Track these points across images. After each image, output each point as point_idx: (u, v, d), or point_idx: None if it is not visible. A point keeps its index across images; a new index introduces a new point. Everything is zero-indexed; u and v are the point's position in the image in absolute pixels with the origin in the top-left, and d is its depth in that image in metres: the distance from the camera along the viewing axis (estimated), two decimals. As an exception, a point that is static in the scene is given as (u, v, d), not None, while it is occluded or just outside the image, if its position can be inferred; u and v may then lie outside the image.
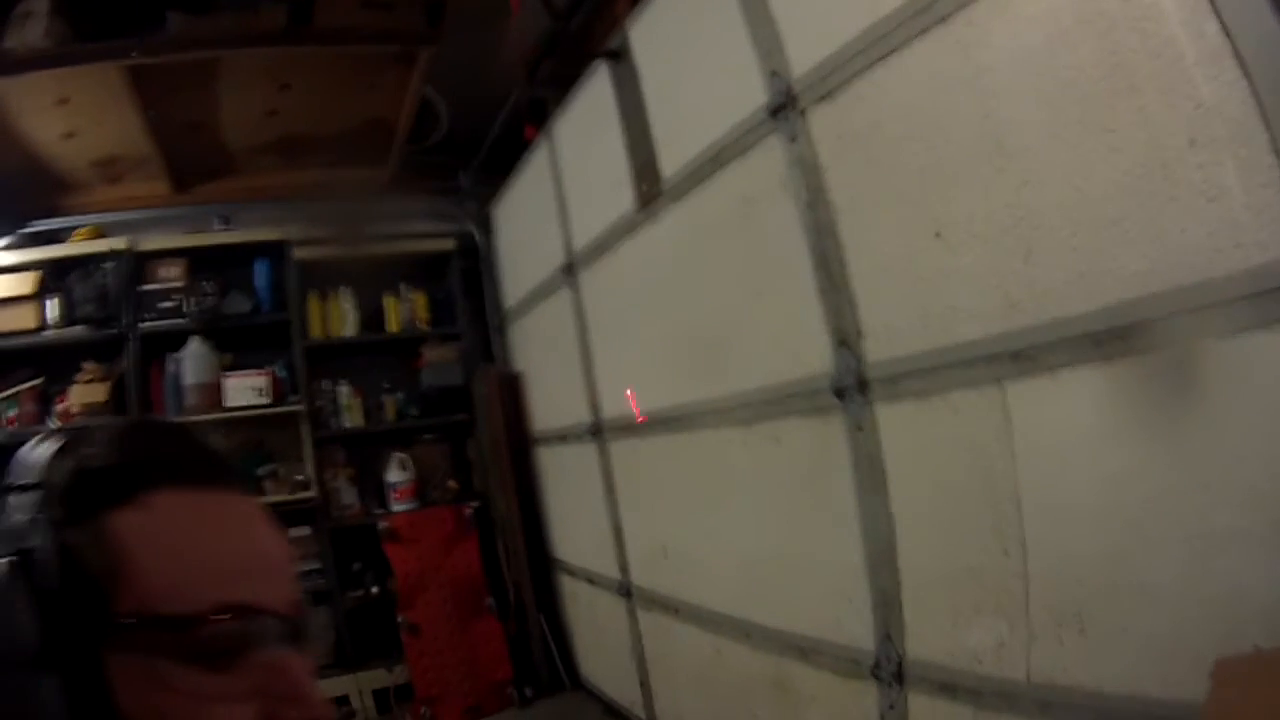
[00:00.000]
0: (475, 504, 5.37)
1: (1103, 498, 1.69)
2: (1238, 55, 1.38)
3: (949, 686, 2.10)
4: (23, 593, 0.57)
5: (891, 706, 2.28)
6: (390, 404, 5.52)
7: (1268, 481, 1.40)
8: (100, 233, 5.03)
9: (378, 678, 4.96)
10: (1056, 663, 1.81)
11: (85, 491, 0.62)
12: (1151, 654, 1.61)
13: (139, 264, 4.99)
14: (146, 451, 0.66)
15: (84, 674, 0.55)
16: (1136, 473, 1.62)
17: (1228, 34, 1.39)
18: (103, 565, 0.59)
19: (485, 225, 5.69)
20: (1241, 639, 1.41)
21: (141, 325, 4.91)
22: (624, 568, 4.01)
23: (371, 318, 5.59)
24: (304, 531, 5.07)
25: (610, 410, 4.00)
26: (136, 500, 0.62)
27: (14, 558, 0.58)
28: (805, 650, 2.64)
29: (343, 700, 4.87)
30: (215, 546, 0.63)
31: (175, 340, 4.95)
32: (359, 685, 4.92)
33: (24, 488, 0.63)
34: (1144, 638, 1.62)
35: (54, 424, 4.55)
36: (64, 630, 0.56)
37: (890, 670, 2.27)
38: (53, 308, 4.79)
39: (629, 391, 3.71)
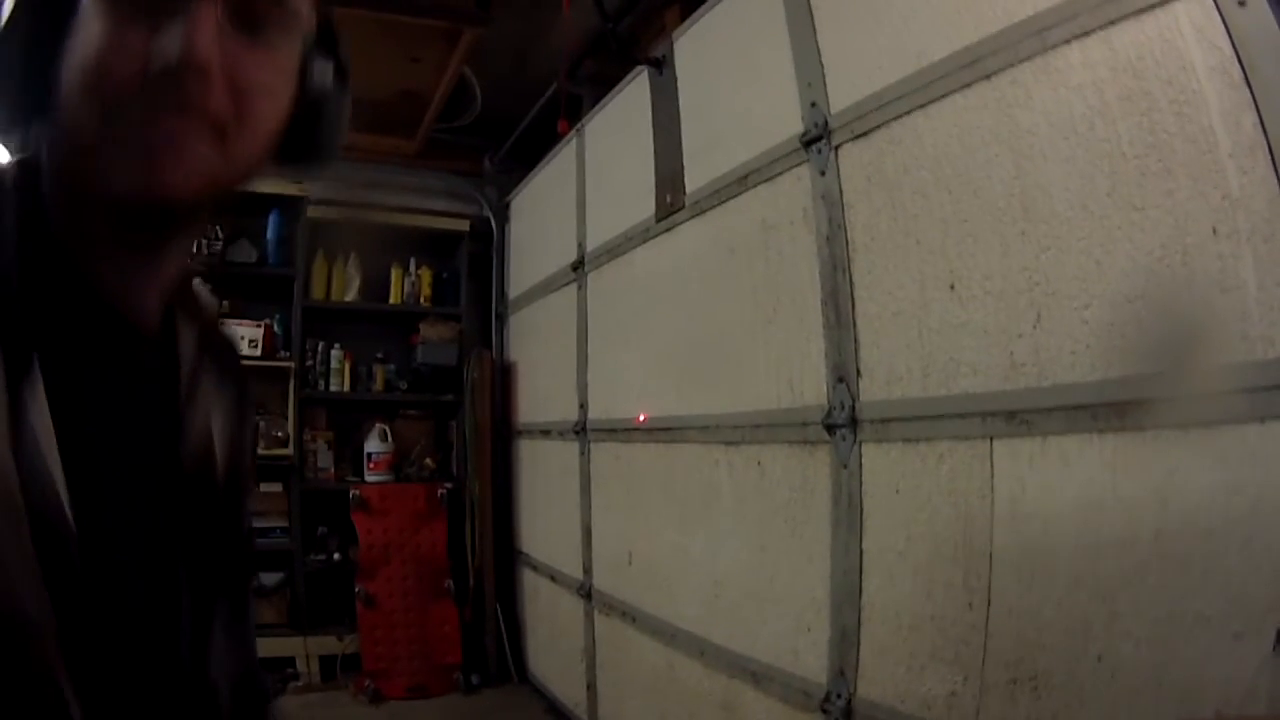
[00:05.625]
0: (449, 485, 5.37)
1: (1075, 566, 1.71)
2: (1271, 152, 1.40)
3: (896, 730, 2.12)
4: None
5: (836, 742, 2.30)
6: (380, 374, 5.50)
7: (1246, 573, 1.41)
8: (119, 161, 5.00)
9: (327, 644, 4.93)
10: (1007, 719, 1.83)
11: None
12: (1104, 724, 1.63)
13: (153, 197, 4.93)
14: None
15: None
16: (1114, 547, 1.63)
17: (1265, 130, 1.42)
18: None
19: (502, 212, 5.71)
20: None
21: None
22: (588, 569, 4.01)
23: (374, 286, 5.59)
24: (275, 488, 5.07)
25: (597, 411, 4.01)
26: None
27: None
28: (758, 676, 2.65)
29: (289, 663, 4.85)
30: None
31: (177, 278, 4.89)
32: (308, 650, 4.89)
33: None
34: (1100, 707, 1.64)
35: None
36: None
37: (840, 706, 2.28)
38: (60, 228, 4.74)
39: (629, 395, 3.72)
